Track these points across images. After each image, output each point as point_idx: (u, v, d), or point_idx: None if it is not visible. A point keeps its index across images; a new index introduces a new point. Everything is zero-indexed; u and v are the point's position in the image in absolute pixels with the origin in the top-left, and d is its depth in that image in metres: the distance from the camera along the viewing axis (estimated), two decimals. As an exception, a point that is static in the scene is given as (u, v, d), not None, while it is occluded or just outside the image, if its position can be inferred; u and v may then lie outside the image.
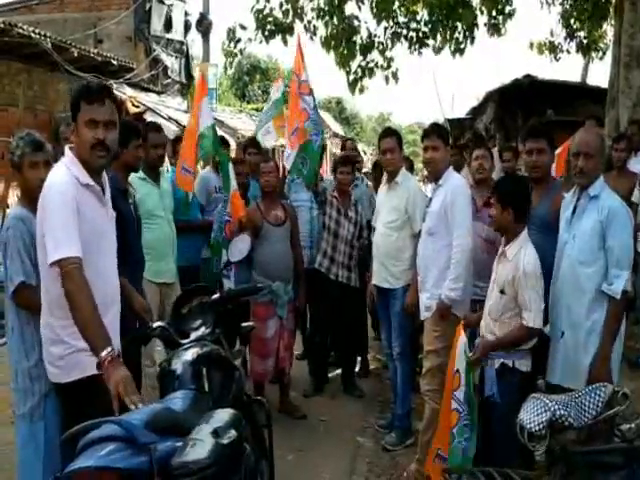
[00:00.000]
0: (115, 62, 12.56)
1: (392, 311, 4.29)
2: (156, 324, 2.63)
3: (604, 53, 10.77)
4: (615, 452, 2.10)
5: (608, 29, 10.14)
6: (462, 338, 3.26)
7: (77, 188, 2.37)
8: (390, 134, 4.44)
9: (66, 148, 2.51)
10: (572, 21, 10.32)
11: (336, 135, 21.81)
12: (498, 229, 3.29)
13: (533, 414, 2.26)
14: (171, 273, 4.29)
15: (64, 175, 2.39)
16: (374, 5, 8.80)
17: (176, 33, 16.42)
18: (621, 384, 2.74)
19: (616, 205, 3.00)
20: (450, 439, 3.17)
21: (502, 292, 3.14)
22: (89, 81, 2.60)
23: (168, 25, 15.74)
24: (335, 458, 4.12)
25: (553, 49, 10.51)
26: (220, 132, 13.68)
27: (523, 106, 10.23)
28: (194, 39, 17.77)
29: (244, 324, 3.05)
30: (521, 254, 3.11)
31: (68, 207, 2.30)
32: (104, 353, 2.16)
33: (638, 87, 6.86)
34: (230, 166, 4.73)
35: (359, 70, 9.28)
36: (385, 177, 4.56)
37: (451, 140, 4.53)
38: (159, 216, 4.20)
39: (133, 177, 4.29)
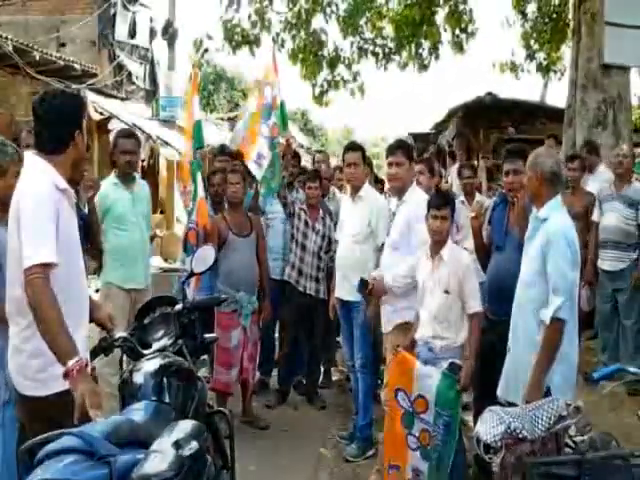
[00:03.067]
0: (78, 67, 12.36)
1: (355, 323, 4.33)
2: (118, 334, 2.60)
3: (562, 74, 11.11)
4: (568, 463, 2.17)
5: (566, 51, 10.48)
6: (422, 370, 3.36)
7: (56, 193, 2.36)
8: (355, 148, 4.49)
9: (32, 155, 2.48)
10: (532, 42, 10.64)
11: (301, 146, 21.87)
12: (439, 238, 3.49)
13: (489, 426, 2.32)
14: (141, 279, 4.29)
15: (43, 181, 2.36)
16: (341, 20, 8.93)
17: (141, 39, 16.27)
18: (575, 397, 2.83)
19: (556, 230, 2.99)
20: (428, 455, 3.34)
21: (446, 292, 3.41)
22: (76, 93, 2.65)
23: (133, 31, 15.58)
24: (297, 469, 4.12)
25: (514, 68, 10.79)
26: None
27: (485, 122, 10.47)
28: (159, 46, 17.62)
29: (207, 335, 3.04)
30: (455, 253, 3.51)
31: (44, 213, 2.28)
32: (71, 363, 2.14)
33: (594, 109, 7.09)
34: (198, 174, 4.76)
35: (325, 83, 9.39)
36: (349, 190, 4.61)
37: (415, 155, 4.61)
38: (130, 221, 4.22)
39: (107, 182, 4.31)
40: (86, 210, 3.87)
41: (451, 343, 3.43)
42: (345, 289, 4.37)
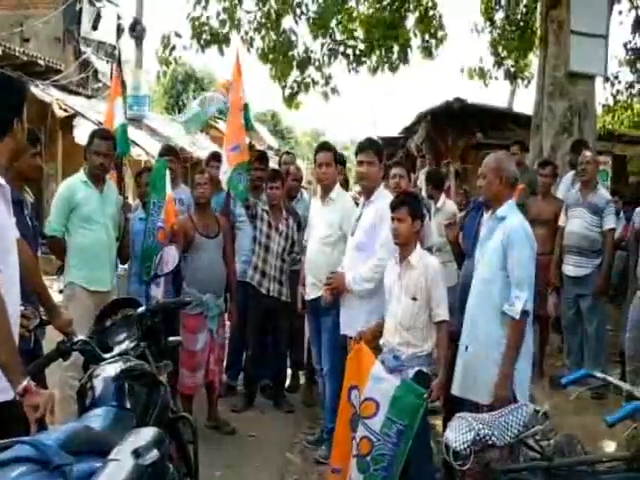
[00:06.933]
0: (42, 62, 12.12)
1: (323, 327, 4.26)
2: (77, 338, 2.51)
3: (529, 81, 11.28)
4: (535, 469, 2.16)
5: (533, 59, 10.64)
6: (379, 371, 3.26)
7: None
8: (326, 148, 4.45)
9: None
10: (500, 49, 10.77)
11: (271, 148, 21.81)
12: (405, 241, 3.41)
13: (458, 433, 2.30)
14: (106, 281, 4.19)
15: None
16: (311, 21, 8.90)
17: (108, 36, 16.00)
18: (542, 402, 2.84)
19: (517, 227, 3.10)
20: (364, 467, 3.20)
21: (414, 299, 3.32)
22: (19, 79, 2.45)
23: (99, 28, 15.32)
24: (263, 474, 4.06)
25: (482, 75, 10.91)
26: (152, 140, 13.40)
27: (453, 127, 10.55)
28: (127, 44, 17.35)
29: (171, 338, 2.96)
30: (425, 258, 3.41)
31: None
32: (23, 385, 2.04)
33: (560, 116, 7.20)
34: (167, 172, 4.68)
35: (295, 85, 9.33)
36: (319, 191, 4.56)
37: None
38: (96, 222, 4.15)
39: (76, 179, 4.22)
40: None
41: (418, 351, 3.33)
42: (314, 292, 4.30)
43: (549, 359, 5.63)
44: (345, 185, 6.22)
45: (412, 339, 3.33)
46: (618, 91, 10.49)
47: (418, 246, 3.47)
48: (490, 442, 2.24)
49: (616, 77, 10.39)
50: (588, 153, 5.35)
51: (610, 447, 3.77)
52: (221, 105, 5.61)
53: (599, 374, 2.54)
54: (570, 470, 2.16)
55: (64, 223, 4.11)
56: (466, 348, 3.24)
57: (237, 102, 5.14)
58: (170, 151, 5.66)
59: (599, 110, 9.52)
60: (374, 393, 3.21)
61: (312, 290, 4.35)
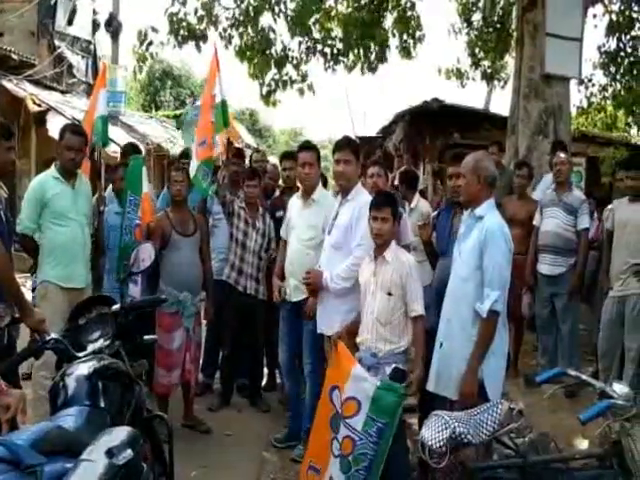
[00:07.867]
0: (15, 57, 11.90)
1: (305, 329, 4.20)
2: (50, 336, 2.47)
3: (505, 82, 11.41)
4: (511, 467, 2.18)
5: (510, 60, 10.75)
6: (359, 371, 3.27)
7: None
8: (309, 148, 4.37)
9: None
10: (477, 50, 10.87)
11: (249, 146, 21.72)
12: (384, 241, 3.42)
13: (434, 431, 2.31)
14: (81, 278, 4.14)
15: None
16: (290, 19, 8.89)
17: (83, 31, 15.77)
18: (516, 400, 2.87)
19: (494, 226, 3.12)
20: (345, 467, 3.21)
21: (389, 294, 3.35)
22: None
23: (74, 22, 15.09)
24: (240, 474, 4.03)
25: (459, 75, 11.00)
26: (129, 137, 13.25)
27: (431, 128, 10.61)
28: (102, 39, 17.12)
29: (146, 337, 2.93)
30: (399, 254, 3.43)
31: None
32: None
33: (536, 117, 7.30)
34: (144, 170, 4.62)
35: (272, 83, 9.32)
36: (300, 191, 4.51)
37: (362, 158, 4.57)
38: (70, 218, 4.08)
39: (48, 175, 4.15)
40: None
41: (395, 348, 3.35)
42: (297, 295, 4.24)
43: (524, 357, 5.69)
44: (324, 184, 6.22)
45: (389, 335, 3.35)
46: (592, 93, 10.66)
47: (393, 243, 3.49)
48: (466, 440, 2.26)
49: (590, 80, 10.57)
50: (562, 154, 5.42)
51: (583, 444, 3.83)
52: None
53: (573, 372, 2.57)
54: (545, 467, 2.18)
55: (36, 220, 4.02)
56: (441, 345, 3.26)
57: (209, 98, 5.09)
58: (134, 149, 5.62)
59: (573, 112, 9.66)
60: (355, 392, 3.21)
61: (295, 293, 4.27)
